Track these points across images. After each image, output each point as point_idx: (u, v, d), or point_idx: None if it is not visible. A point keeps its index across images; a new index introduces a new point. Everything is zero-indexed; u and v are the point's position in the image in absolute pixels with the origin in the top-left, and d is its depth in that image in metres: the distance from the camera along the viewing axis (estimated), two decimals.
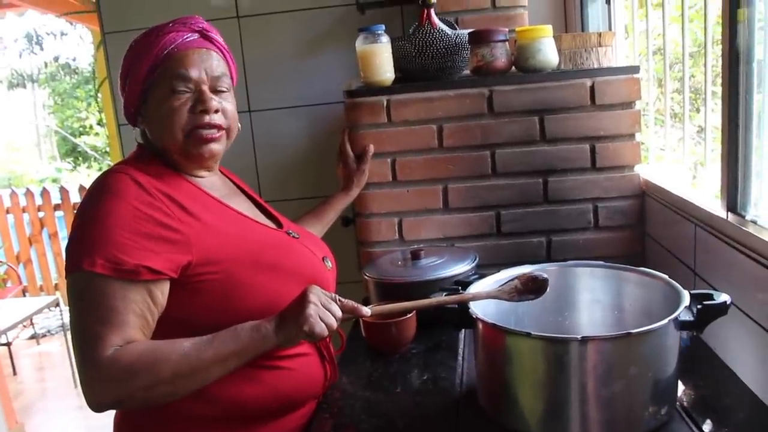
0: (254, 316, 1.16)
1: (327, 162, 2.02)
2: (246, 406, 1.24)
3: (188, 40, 1.28)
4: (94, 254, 1.11)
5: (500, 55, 1.76)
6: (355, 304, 1.17)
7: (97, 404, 1.09)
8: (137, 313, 1.13)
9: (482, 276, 1.33)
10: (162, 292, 1.17)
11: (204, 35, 1.30)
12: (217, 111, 1.28)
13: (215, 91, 1.29)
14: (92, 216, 1.16)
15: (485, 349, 1.17)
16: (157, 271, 1.14)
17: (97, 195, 1.19)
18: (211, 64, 1.29)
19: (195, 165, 1.32)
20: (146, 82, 1.27)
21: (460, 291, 1.26)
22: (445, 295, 1.24)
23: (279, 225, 1.44)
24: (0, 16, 6.10)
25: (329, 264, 1.43)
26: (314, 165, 2.43)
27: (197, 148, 1.27)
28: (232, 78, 1.37)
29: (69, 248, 1.16)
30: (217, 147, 1.30)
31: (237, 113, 1.36)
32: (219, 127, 1.29)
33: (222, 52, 1.33)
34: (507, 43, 1.79)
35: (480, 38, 1.77)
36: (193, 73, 1.26)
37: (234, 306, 1.21)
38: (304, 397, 1.32)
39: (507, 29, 1.80)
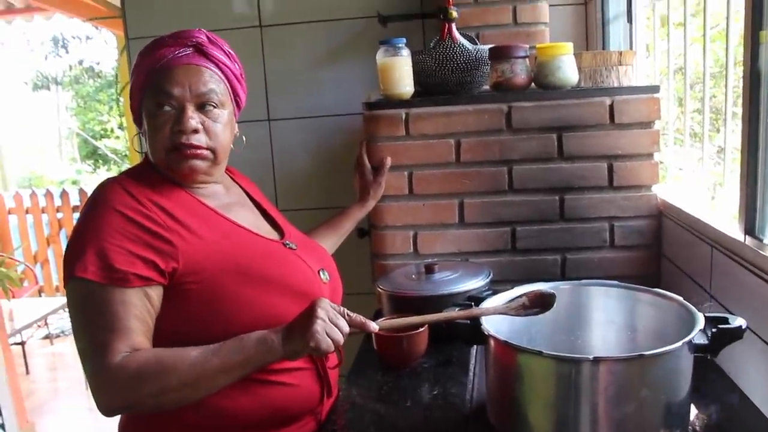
0: (243, 328, 1.16)
1: (344, 173, 2.02)
2: (240, 417, 1.24)
3: (179, 55, 1.26)
4: (86, 261, 1.13)
5: (520, 71, 1.77)
6: (364, 320, 1.17)
7: (107, 409, 1.12)
8: (139, 318, 1.14)
9: (496, 292, 1.33)
10: (157, 294, 1.18)
11: (198, 50, 1.28)
12: (196, 131, 1.25)
13: (201, 107, 1.27)
14: (84, 225, 1.19)
15: (496, 366, 1.16)
16: (145, 278, 1.15)
17: (90, 205, 1.22)
18: (198, 80, 1.26)
19: (181, 179, 1.30)
20: (141, 94, 1.29)
21: (473, 307, 1.26)
22: (457, 311, 1.23)
23: (282, 235, 1.44)
24: (28, 19, 6.20)
25: (325, 276, 1.40)
26: (331, 175, 2.44)
27: (178, 164, 1.27)
28: (235, 93, 1.35)
29: (64, 258, 1.18)
30: (200, 163, 1.28)
31: (231, 130, 1.34)
32: (199, 147, 1.26)
33: (219, 67, 1.30)
34: (527, 59, 1.79)
35: (500, 54, 1.77)
36: (176, 91, 1.24)
37: (220, 318, 1.21)
38: (299, 411, 1.30)
39: (527, 45, 1.80)
